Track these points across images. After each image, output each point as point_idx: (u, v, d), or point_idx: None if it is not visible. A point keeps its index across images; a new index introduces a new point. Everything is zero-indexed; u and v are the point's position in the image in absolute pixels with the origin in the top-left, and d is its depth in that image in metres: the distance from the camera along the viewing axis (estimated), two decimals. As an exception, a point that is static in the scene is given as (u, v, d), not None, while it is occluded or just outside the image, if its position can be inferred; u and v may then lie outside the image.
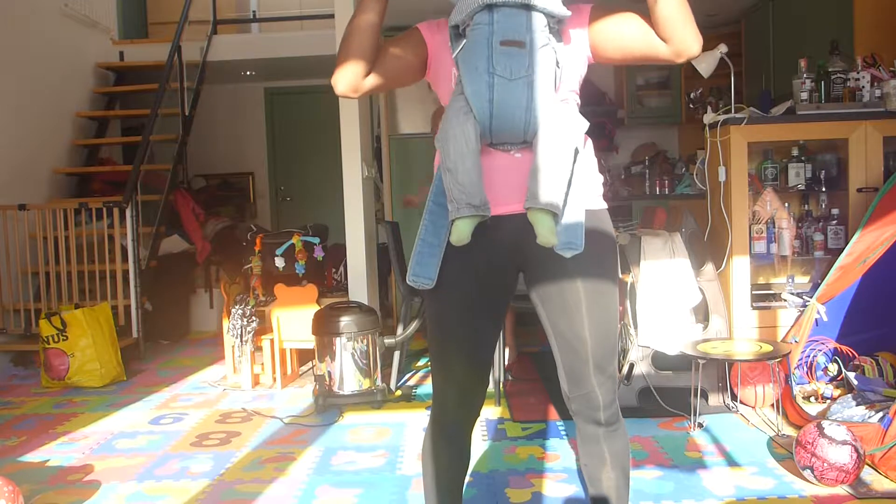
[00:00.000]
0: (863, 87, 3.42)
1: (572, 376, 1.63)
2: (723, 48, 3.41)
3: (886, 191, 3.12)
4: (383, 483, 2.71)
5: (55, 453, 3.18)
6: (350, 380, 3.60)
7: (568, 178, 1.51)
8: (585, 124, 1.57)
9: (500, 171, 1.57)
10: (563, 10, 1.54)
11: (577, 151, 1.55)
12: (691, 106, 5.25)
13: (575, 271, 1.58)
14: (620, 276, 3.78)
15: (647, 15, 1.54)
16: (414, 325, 3.86)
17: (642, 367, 3.27)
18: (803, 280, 3.60)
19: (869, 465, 2.59)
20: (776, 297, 3.58)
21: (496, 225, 1.58)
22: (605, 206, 1.69)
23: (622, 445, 1.67)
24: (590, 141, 1.66)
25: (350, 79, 1.60)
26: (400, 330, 3.92)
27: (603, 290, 1.62)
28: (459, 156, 1.50)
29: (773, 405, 3.18)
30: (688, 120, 5.88)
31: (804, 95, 3.47)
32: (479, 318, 1.67)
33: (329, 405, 3.61)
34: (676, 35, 1.50)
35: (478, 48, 1.51)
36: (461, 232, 1.51)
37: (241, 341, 4.13)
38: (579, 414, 1.65)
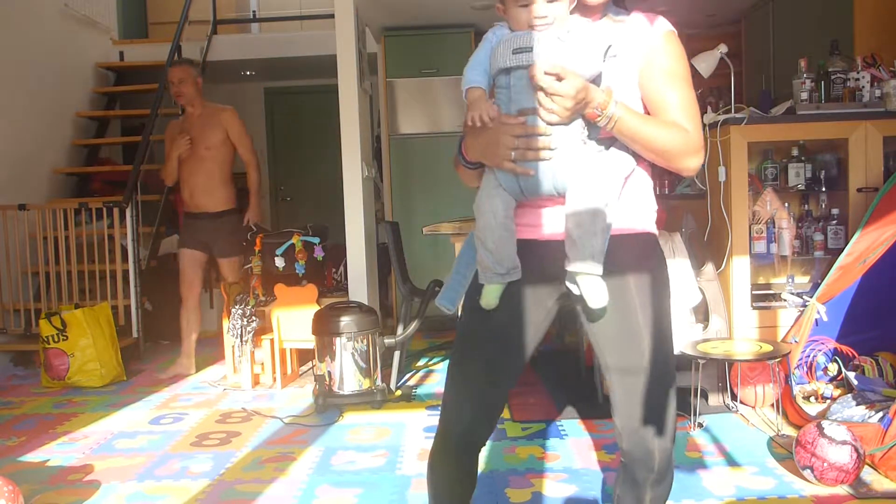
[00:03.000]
0: (863, 87, 3.42)
1: (629, 416, 1.52)
2: (723, 48, 3.41)
3: (886, 191, 3.12)
4: (383, 483, 2.71)
5: (55, 453, 3.18)
6: (350, 380, 3.60)
7: (606, 232, 1.44)
8: (626, 166, 1.49)
9: (544, 205, 1.52)
10: (589, 70, 1.41)
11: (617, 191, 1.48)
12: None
13: (633, 303, 1.50)
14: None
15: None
16: (414, 325, 3.86)
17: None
18: (803, 280, 3.60)
19: (869, 465, 2.59)
20: (776, 297, 3.58)
21: (544, 248, 1.51)
22: (654, 230, 1.58)
23: (664, 490, 1.58)
24: (639, 169, 1.55)
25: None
26: (400, 330, 3.92)
27: (662, 323, 1.53)
28: (489, 229, 1.48)
29: (773, 405, 3.18)
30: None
31: (804, 95, 3.47)
32: (512, 338, 1.57)
33: (329, 405, 3.61)
34: (670, 165, 1.49)
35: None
36: (489, 296, 1.52)
37: (241, 341, 4.13)
38: (630, 456, 1.54)
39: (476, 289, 1.55)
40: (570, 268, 1.43)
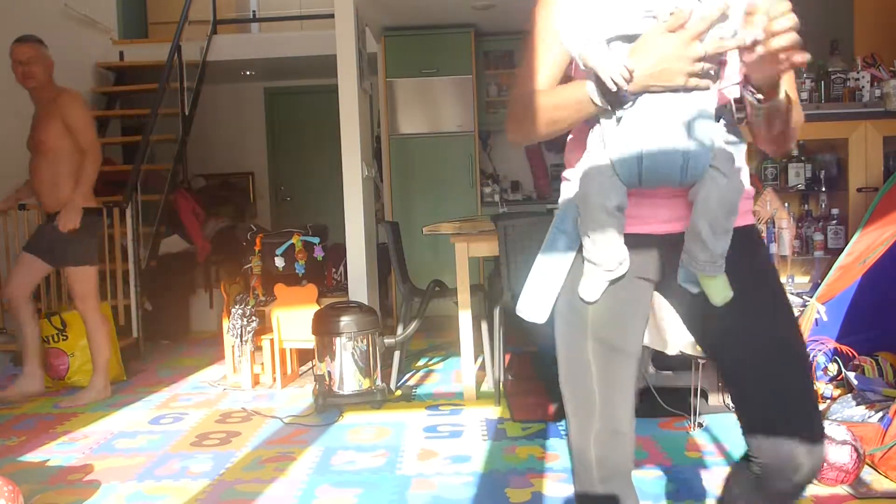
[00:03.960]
0: (863, 87, 3.43)
1: (775, 418, 1.32)
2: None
3: (886, 191, 3.11)
4: (383, 483, 2.71)
5: (55, 453, 3.18)
6: (350, 380, 3.60)
7: (731, 230, 1.28)
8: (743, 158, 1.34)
9: (659, 196, 1.33)
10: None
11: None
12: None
13: (764, 289, 1.33)
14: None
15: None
16: (414, 325, 3.86)
17: (642, 367, 3.27)
18: (803, 280, 3.60)
19: (869, 465, 2.59)
20: (776, 296, 3.57)
21: (654, 243, 1.35)
22: (752, 221, 1.41)
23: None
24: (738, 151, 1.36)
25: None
26: (400, 330, 3.92)
27: (793, 314, 1.36)
28: (596, 222, 1.30)
29: (773, 405, 3.18)
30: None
31: (804, 95, 3.48)
32: (619, 350, 1.38)
33: (329, 405, 3.61)
34: (779, 148, 1.35)
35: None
36: (592, 291, 1.34)
37: (241, 341, 4.13)
38: (771, 467, 1.34)
39: (570, 288, 1.37)
40: (696, 268, 1.28)
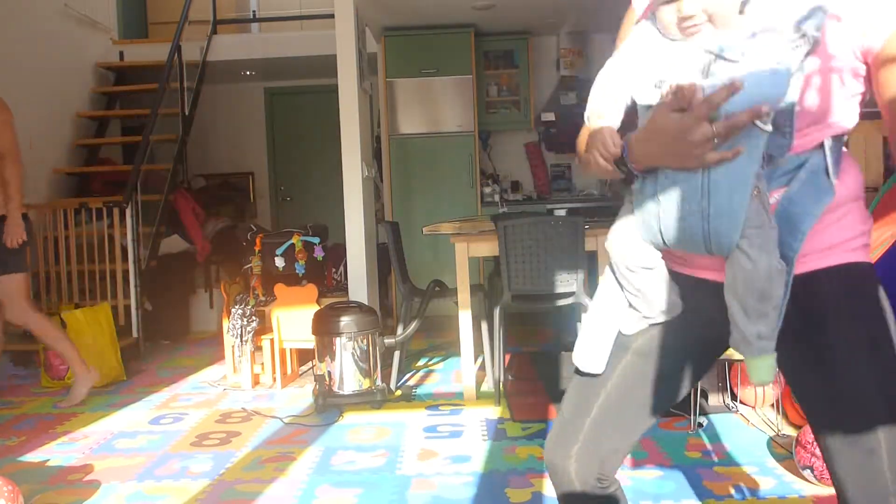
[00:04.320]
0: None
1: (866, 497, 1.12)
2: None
3: (886, 191, 3.11)
4: (383, 483, 2.71)
5: (55, 453, 3.18)
6: (350, 380, 3.60)
7: (781, 307, 1.11)
8: (822, 199, 1.12)
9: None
10: (779, 95, 1.04)
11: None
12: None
13: (838, 359, 1.13)
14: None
15: None
16: (414, 325, 3.86)
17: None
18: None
19: (869, 465, 2.59)
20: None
21: (697, 285, 1.23)
22: (862, 258, 1.19)
23: None
24: (845, 173, 1.17)
25: None
26: (400, 330, 3.92)
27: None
28: (628, 282, 1.23)
29: (773, 405, 3.18)
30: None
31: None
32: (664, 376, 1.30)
33: (329, 405, 3.61)
34: None
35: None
36: (631, 327, 1.27)
37: (241, 341, 4.13)
38: None
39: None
40: (731, 343, 1.16)
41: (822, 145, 1.14)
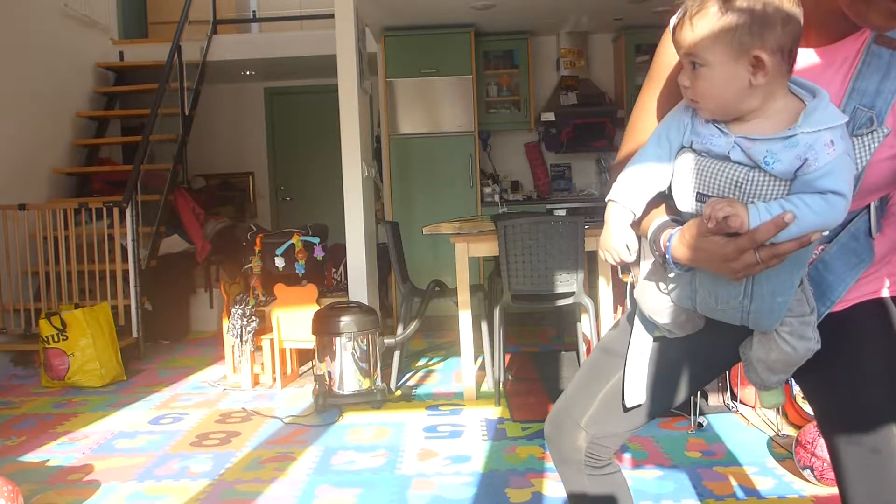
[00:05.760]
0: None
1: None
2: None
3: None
4: (383, 483, 2.71)
5: (55, 453, 3.18)
6: (350, 380, 3.60)
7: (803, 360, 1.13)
8: (862, 259, 1.12)
9: None
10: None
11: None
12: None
13: (862, 373, 1.14)
14: (620, 276, 3.78)
15: None
16: (414, 325, 3.86)
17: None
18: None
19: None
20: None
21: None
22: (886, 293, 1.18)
23: None
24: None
25: None
26: (400, 330, 3.92)
27: None
28: (656, 317, 1.22)
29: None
30: (688, 120, 5.86)
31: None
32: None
33: (329, 405, 3.61)
34: None
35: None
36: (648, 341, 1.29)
37: (241, 341, 4.13)
38: None
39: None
40: (750, 381, 1.21)
41: (868, 206, 1.11)
